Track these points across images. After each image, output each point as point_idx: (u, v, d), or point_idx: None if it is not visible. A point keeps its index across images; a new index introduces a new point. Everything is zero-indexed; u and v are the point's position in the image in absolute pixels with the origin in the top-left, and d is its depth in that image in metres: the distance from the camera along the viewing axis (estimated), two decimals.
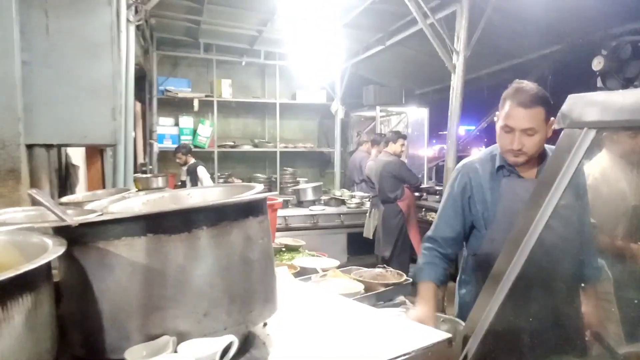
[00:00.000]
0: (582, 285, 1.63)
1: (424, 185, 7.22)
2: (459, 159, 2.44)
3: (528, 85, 1.74)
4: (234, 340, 0.94)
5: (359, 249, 6.44)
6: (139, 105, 7.40)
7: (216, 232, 0.97)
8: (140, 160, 7.59)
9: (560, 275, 1.46)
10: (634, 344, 1.45)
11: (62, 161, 2.79)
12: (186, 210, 0.99)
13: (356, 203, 6.66)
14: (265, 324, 1.19)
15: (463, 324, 1.59)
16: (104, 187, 4.11)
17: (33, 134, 2.07)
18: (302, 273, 2.34)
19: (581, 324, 1.60)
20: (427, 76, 7.44)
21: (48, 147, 2.20)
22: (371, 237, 5.98)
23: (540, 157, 1.77)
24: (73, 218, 0.98)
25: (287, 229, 6.04)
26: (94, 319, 0.93)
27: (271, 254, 1.16)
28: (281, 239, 3.23)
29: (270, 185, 8.07)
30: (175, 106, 7.93)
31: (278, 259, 2.76)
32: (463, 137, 9.24)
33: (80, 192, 3.15)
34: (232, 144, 8.23)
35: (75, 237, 0.92)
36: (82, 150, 3.81)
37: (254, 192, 1.14)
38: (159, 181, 5.42)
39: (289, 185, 7.90)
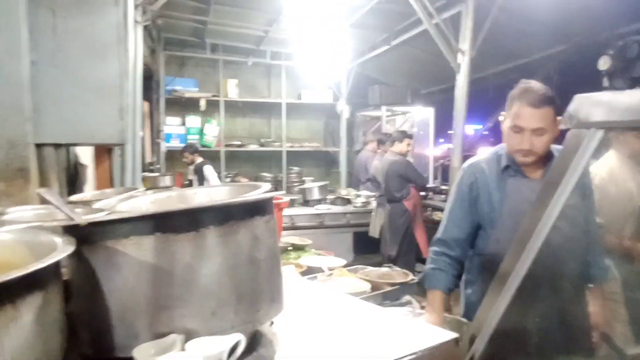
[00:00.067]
0: (589, 285, 1.62)
1: (430, 185, 7.20)
2: (465, 158, 2.43)
3: (536, 85, 1.73)
4: (242, 338, 0.95)
5: (365, 248, 6.43)
6: (146, 105, 7.44)
7: (223, 232, 0.98)
8: (148, 159, 7.63)
9: (567, 276, 1.45)
10: None
11: (70, 160, 2.81)
12: (194, 210, 1.00)
13: (362, 202, 6.65)
14: (272, 323, 1.19)
15: (469, 323, 1.58)
16: (112, 186, 4.14)
17: (41, 134, 2.08)
18: (309, 272, 2.34)
19: (588, 324, 1.59)
20: (432, 76, 7.42)
21: (56, 146, 2.21)
22: (377, 237, 5.97)
23: (546, 158, 1.76)
24: (82, 217, 0.99)
25: (293, 228, 6.05)
26: (102, 318, 0.94)
27: (278, 253, 1.17)
28: (287, 238, 3.24)
29: (276, 185, 8.08)
30: (182, 106, 7.96)
31: (284, 258, 2.77)
32: (471, 136, 9.20)
33: (89, 191, 3.17)
34: (239, 143, 8.26)
35: (84, 236, 0.93)
36: (90, 149, 3.84)
37: (261, 191, 1.15)
38: (167, 180, 5.45)
39: (295, 184, 7.90)
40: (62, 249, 0.86)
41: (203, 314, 0.95)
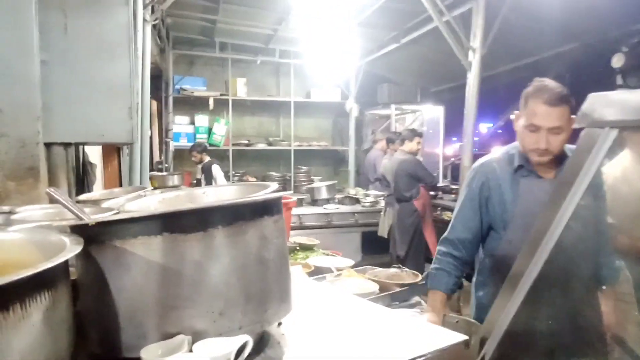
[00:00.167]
0: (602, 287, 1.60)
1: (440, 184, 7.16)
2: (476, 157, 2.40)
3: (551, 83, 1.70)
4: (249, 340, 0.94)
5: (373, 248, 6.41)
6: (155, 104, 7.48)
7: (232, 232, 0.97)
8: (156, 158, 7.67)
9: (580, 277, 1.43)
10: None
11: (79, 159, 2.82)
12: (202, 210, 0.99)
13: (370, 202, 6.63)
14: (280, 324, 1.19)
15: (480, 325, 1.57)
16: (120, 185, 4.17)
17: (51, 133, 2.10)
18: (317, 272, 2.33)
19: (601, 326, 1.57)
20: (442, 74, 7.38)
21: (66, 145, 2.23)
22: (386, 236, 5.95)
23: (559, 157, 1.74)
24: (90, 217, 0.99)
25: (301, 227, 6.05)
26: (110, 318, 0.94)
27: (286, 253, 1.16)
28: (295, 237, 3.23)
29: (284, 184, 8.09)
30: (190, 105, 7.99)
31: (292, 257, 2.76)
32: (483, 134, 9.13)
33: (98, 190, 3.19)
34: (247, 142, 8.27)
35: (93, 235, 0.93)
36: (99, 148, 3.87)
37: (269, 191, 1.14)
38: (175, 179, 5.48)
39: (303, 183, 7.90)
40: (71, 248, 0.86)
41: (211, 314, 0.95)
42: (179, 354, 0.88)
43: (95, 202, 1.70)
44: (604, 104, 1.17)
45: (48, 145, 2.12)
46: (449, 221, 2.01)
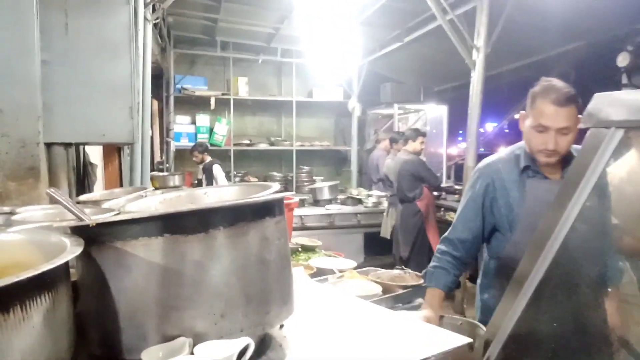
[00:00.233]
0: (608, 288, 1.58)
1: (444, 185, 7.14)
2: (480, 157, 2.38)
3: (559, 82, 1.68)
4: (250, 342, 0.93)
5: (376, 248, 6.40)
6: (156, 103, 7.49)
7: (233, 233, 0.96)
8: (157, 158, 7.67)
9: (585, 279, 1.41)
10: None
11: (80, 159, 2.82)
12: (203, 211, 0.98)
13: (373, 202, 6.61)
14: (281, 326, 1.18)
15: (484, 328, 1.55)
16: (121, 185, 4.17)
17: (52, 133, 2.09)
18: (319, 274, 2.32)
19: (606, 328, 1.55)
20: (445, 73, 7.36)
21: (67, 145, 2.22)
22: (388, 237, 5.93)
23: (566, 158, 1.72)
24: (91, 217, 0.99)
25: (303, 228, 6.04)
26: (111, 319, 0.93)
27: (288, 254, 1.15)
28: (297, 238, 3.22)
29: (286, 184, 8.08)
30: (192, 104, 7.98)
31: (294, 259, 2.75)
32: (488, 134, 9.09)
33: (98, 190, 3.19)
34: (249, 142, 8.26)
35: (93, 236, 0.92)
36: (100, 148, 3.86)
37: (271, 191, 1.13)
38: (176, 179, 5.48)
39: (305, 184, 7.89)
40: (71, 249, 0.85)
41: (212, 316, 0.94)
42: (180, 357, 0.87)
43: (96, 203, 1.69)
44: (610, 104, 1.15)
45: (49, 145, 2.12)
46: (452, 222, 1.99)
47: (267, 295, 1.03)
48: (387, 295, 2.02)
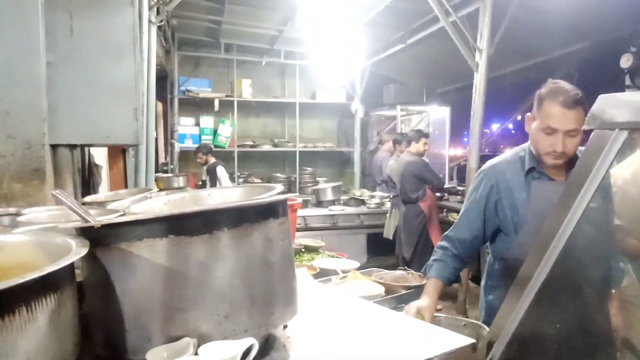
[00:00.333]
0: (611, 290, 1.58)
1: (446, 186, 7.13)
2: (486, 158, 2.38)
3: (566, 85, 1.68)
4: (254, 343, 0.93)
5: (379, 249, 6.40)
6: (160, 105, 7.51)
7: (237, 234, 0.97)
8: (162, 160, 7.70)
9: (589, 280, 1.41)
10: None
11: (85, 161, 2.83)
12: (207, 212, 0.99)
13: (376, 203, 6.61)
14: (285, 327, 1.18)
15: (487, 328, 1.55)
16: (126, 187, 4.18)
17: (57, 134, 2.10)
18: (322, 274, 2.33)
19: (609, 329, 1.55)
20: (448, 74, 7.36)
21: (72, 147, 2.23)
22: (391, 238, 5.93)
23: (571, 159, 1.72)
24: (96, 219, 0.99)
25: (307, 229, 6.04)
26: (115, 320, 0.93)
27: (292, 255, 1.15)
28: (301, 239, 3.23)
29: (289, 185, 8.09)
30: (196, 106, 8.01)
31: (298, 259, 2.76)
32: (492, 134, 9.07)
33: (103, 191, 3.20)
34: (252, 143, 8.27)
35: (98, 237, 0.93)
36: (104, 150, 3.88)
37: (275, 193, 1.14)
38: (180, 181, 5.49)
39: (308, 185, 7.90)
40: (76, 251, 0.86)
41: (216, 317, 0.94)
42: (184, 357, 0.88)
43: (101, 204, 1.70)
44: (614, 105, 1.15)
45: (54, 147, 2.13)
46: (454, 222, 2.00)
47: (271, 296, 1.03)
48: (390, 296, 2.02)
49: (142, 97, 2.75)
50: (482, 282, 2.00)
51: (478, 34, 4.34)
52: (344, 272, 2.33)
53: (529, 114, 1.79)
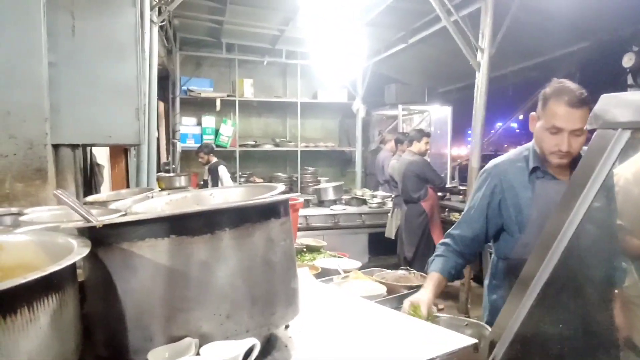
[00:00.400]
0: (614, 290, 1.58)
1: (448, 185, 7.12)
2: (488, 157, 2.38)
3: (571, 84, 1.68)
4: (256, 343, 0.94)
5: (380, 249, 6.40)
6: (162, 105, 7.51)
7: (238, 234, 0.97)
8: (164, 159, 7.70)
9: (591, 280, 1.41)
10: None
11: (87, 160, 2.84)
12: (209, 212, 0.99)
13: (377, 203, 6.61)
14: (287, 326, 1.18)
15: (489, 328, 1.55)
16: (127, 186, 4.19)
17: (59, 134, 2.10)
18: (324, 274, 2.32)
19: (612, 329, 1.54)
20: (450, 74, 7.35)
21: (74, 147, 2.23)
22: (393, 238, 5.93)
23: (574, 158, 1.72)
24: (98, 219, 0.99)
25: (308, 228, 6.04)
26: (117, 320, 0.93)
27: (293, 255, 1.15)
28: (302, 239, 3.23)
29: (291, 185, 8.09)
30: (197, 106, 8.01)
31: (299, 259, 2.76)
32: (493, 134, 9.05)
33: (105, 191, 3.20)
34: (254, 143, 8.28)
35: (100, 237, 0.93)
36: (106, 149, 3.88)
37: (276, 192, 1.14)
38: (182, 180, 5.49)
39: (310, 184, 7.90)
40: (78, 251, 0.86)
41: (218, 317, 0.94)
42: (186, 357, 0.88)
43: (103, 204, 1.70)
44: (617, 105, 1.15)
45: (56, 147, 2.13)
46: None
47: (273, 296, 1.03)
48: (391, 296, 2.02)
49: (144, 96, 2.75)
50: (486, 282, 2.00)
51: (480, 34, 4.34)
52: (345, 272, 2.33)
53: (533, 113, 1.79)
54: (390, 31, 6.57)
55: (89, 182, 2.86)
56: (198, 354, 0.90)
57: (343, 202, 6.84)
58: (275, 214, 1.05)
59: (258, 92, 8.24)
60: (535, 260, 1.25)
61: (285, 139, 8.65)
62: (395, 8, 5.45)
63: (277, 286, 1.05)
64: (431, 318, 1.68)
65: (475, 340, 1.17)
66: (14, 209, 1.60)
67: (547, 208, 1.64)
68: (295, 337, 1.16)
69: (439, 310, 1.91)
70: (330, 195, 6.76)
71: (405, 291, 2.09)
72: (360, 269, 2.43)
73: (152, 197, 1.53)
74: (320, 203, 6.77)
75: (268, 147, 8.34)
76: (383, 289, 2.04)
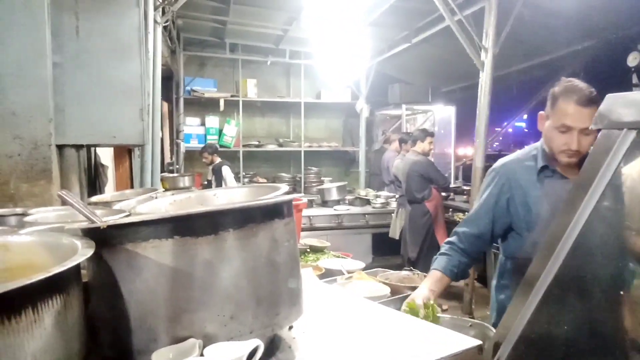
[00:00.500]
0: (620, 291, 1.57)
1: (452, 185, 7.11)
2: (490, 157, 2.37)
3: (580, 83, 1.69)
4: (260, 344, 0.93)
5: (384, 249, 6.39)
6: (166, 105, 7.53)
7: (242, 235, 0.97)
8: (167, 160, 7.72)
9: (597, 281, 1.40)
10: None
11: (91, 161, 2.84)
12: (213, 212, 0.99)
13: (381, 203, 6.60)
14: (291, 327, 1.18)
15: (493, 330, 1.54)
16: (132, 187, 4.20)
17: (64, 135, 2.11)
18: (327, 275, 2.32)
19: (618, 331, 1.53)
20: (453, 74, 7.33)
21: (78, 147, 2.24)
22: (397, 238, 5.91)
23: (582, 158, 1.71)
24: (102, 219, 0.99)
25: (312, 228, 6.04)
26: (121, 321, 0.93)
27: (297, 256, 1.15)
28: (306, 239, 3.23)
29: (294, 185, 8.09)
30: (201, 106, 8.03)
31: (303, 260, 2.76)
32: (497, 133, 9.01)
33: (109, 191, 3.21)
34: (257, 143, 8.29)
35: (104, 238, 0.93)
36: (110, 150, 3.89)
37: (280, 193, 1.13)
38: (186, 180, 5.50)
39: (313, 184, 7.90)
40: (82, 252, 0.86)
41: (222, 318, 0.94)
42: (190, 358, 0.88)
43: (107, 204, 1.71)
44: (622, 105, 1.14)
45: (60, 147, 2.14)
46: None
47: (277, 296, 1.03)
48: (395, 297, 2.01)
49: (148, 97, 2.76)
50: (494, 282, 1.99)
51: (483, 33, 4.32)
52: (349, 272, 2.33)
53: (542, 112, 1.79)
54: (393, 31, 6.57)
55: (93, 182, 2.87)
56: (202, 354, 0.90)
57: (346, 202, 6.83)
58: (279, 215, 1.05)
59: (262, 92, 8.25)
60: (540, 261, 1.24)
61: (288, 139, 8.66)
62: (399, 8, 5.44)
63: (281, 287, 1.05)
64: (431, 313, 1.67)
65: (480, 342, 1.16)
66: (18, 210, 1.60)
67: (555, 207, 1.64)
68: (299, 337, 1.16)
69: (443, 310, 1.90)
70: (334, 196, 6.75)
71: (409, 292, 2.08)
72: (363, 269, 2.42)
73: (156, 198, 1.53)
74: (324, 203, 6.77)
75: (271, 147, 8.35)
76: (387, 290, 2.04)
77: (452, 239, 1.94)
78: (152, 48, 3.80)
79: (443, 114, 8.33)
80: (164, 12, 4.66)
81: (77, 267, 0.84)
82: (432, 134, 5.72)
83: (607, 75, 4.99)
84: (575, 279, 1.32)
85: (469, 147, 10.19)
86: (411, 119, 8.63)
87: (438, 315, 1.72)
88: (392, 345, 1.15)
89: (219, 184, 6.41)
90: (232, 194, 1.39)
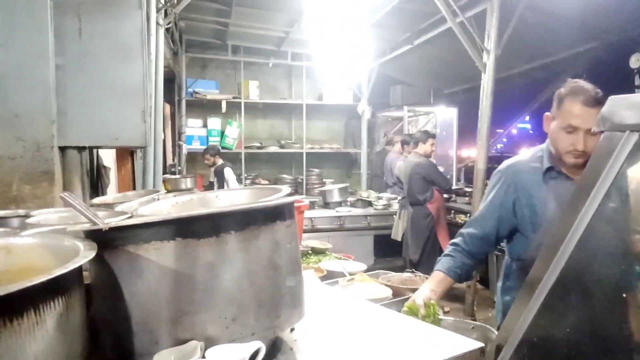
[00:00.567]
0: (623, 294, 1.56)
1: (454, 187, 7.10)
2: (493, 159, 2.37)
3: (586, 84, 1.69)
4: (262, 346, 0.93)
5: (386, 251, 6.38)
6: (168, 107, 7.54)
7: (244, 237, 0.97)
8: (170, 161, 7.73)
9: (600, 284, 1.39)
10: None
11: (94, 163, 2.85)
12: (215, 215, 0.99)
13: (383, 204, 6.60)
14: (292, 330, 1.18)
15: (495, 332, 1.54)
16: (134, 188, 4.20)
17: (66, 137, 2.11)
18: (329, 276, 2.32)
19: (621, 334, 1.53)
20: (455, 75, 7.33)
21: (80, 149, 2.24)
22: (399, 239, 5.91)
23: (588, 159, 1.71)
24: (104, 221, 0.99)
25: (313, 230, 6.04)
26: (123, 323, 0.93)
27: (299, 258, 1.15)
28: (308, 241, 3.23)
29: (296, 187, 8.09)
30: (203, 108, 8.05)
31: (305, 261, 2.76)
32: (500, 135, 8.99)
33: (112, 193, 3.22)
34: (259, 145, 8.30)
35: (106, 240, 0.93)
36: (113, 151, 3.90)
37: (282, 195, 1.13)
38: (188, 182, 5.51)
39: (315, 186, 7.90)
40: (84, 254, 0.86)
41: (224, 320, 0.94)
42: None
43: (109, 206, 1.71)
44: (625, 107, 1.14)
45: (63, 149, 2.14)
46: (463, 225, 1.99)
47: (278, 299, 1.03)
48: (397, 299, 2.01)
49: (150, 99, 2.76)
50: (499, 284, 1.98)
51: (485, 35, 4.32)
52: (351, 274, 2.33)
53: (547, 113, 1.79)
54: (395, 32, 6.57)
55: (96, 184, 2.87)
56: (204, 357, 0.90)
57: (348, 204, 6.83)
58: (281, 217, 1.05)
59: (263, 94, 8.26)
60: (543, 263, 1.24)
61: (290, 140, 8.67)
62: (401, 9, 5.45)
63: (283, 289, 1.04)
64: (431, 313, 1.66)
65: (482, 344, 1.16)
66: (21, 211, 1.61)
67: (561, 208, 1.63)
68: (301, 340, 1.16)
69: (445, 313, 1.89)
70: (336, 197, 6.75)
71: (411, 294, 2.08)
72: (365, 271, 2.42)
73: (158, 199, 1.54)
74: (326, 205, 6.77)
75: (273, 148, 8.36)
76: (388, 292, 2.03)
77: (457, 240, 1.93)
78: (154, 50, 3.81)
79: (445, 115, 8.32)
80: (166, 14, 4.67)
81: (79, 269, 0.84)
82: (433, 136, 5.72)
83: (610, 77, 4.98)
84: (578, 281, 1.31)
85: (472, 148, 10.18)
86: (413, 121, 8.63)
87: (440, 317, 1.71)
88: (394, 347, 1.14)
89: (221, 186, 6.41)
90: (234, 195, 1.39)
